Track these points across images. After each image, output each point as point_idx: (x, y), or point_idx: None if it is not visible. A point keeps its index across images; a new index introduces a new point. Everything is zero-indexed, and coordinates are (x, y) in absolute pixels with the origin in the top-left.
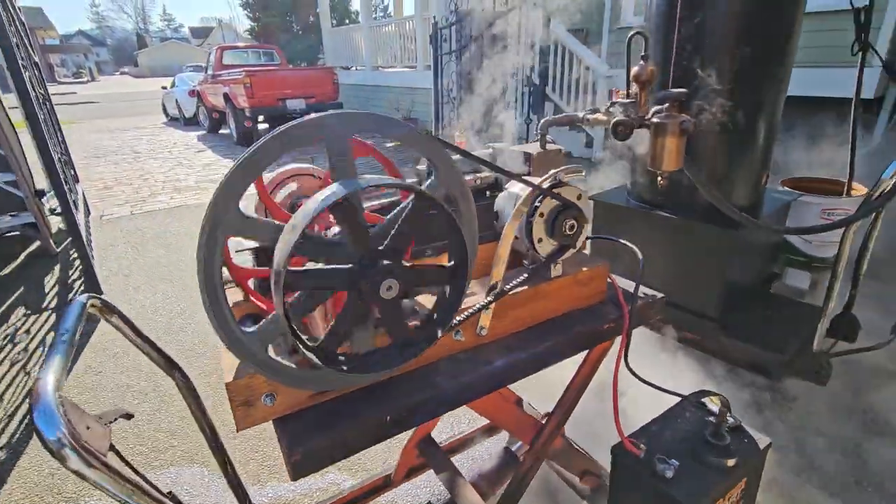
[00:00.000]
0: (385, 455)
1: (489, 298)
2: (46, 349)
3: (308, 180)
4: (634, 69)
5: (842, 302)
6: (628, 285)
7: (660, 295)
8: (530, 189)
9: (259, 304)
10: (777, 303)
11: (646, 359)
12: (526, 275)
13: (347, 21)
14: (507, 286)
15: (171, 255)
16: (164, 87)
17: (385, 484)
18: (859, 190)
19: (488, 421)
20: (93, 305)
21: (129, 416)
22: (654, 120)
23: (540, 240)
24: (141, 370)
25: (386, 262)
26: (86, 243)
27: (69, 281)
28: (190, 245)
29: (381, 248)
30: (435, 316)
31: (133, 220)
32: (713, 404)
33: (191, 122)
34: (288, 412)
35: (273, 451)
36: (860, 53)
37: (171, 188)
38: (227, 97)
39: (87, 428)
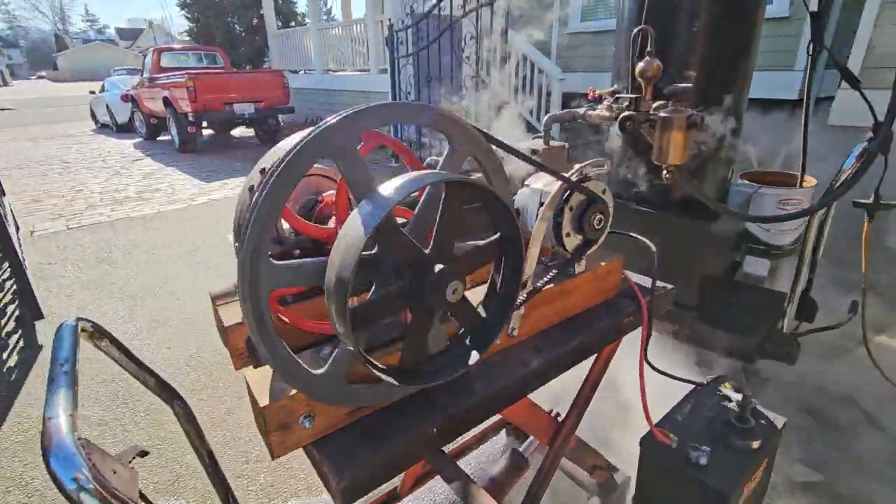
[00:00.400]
0: None
1: (524, 296)
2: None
3: (320, 181)
4: (640, 65)
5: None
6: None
7: (670, 286)
8: (558, 185)
9: (284, 318)
10: (742, 290)
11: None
12: (555, 271)
13: (293, 23)
14: (539, 283)
15: (118, 271)
16: (93, 92)
17: (391, 498)
18: (810, 182)
19: (489, 424)
20: (83, 329)
21: (143, 454)
22: (662, 114)
23: (568, 234)
24: (93, 399)
25: (440, 265)
26: (21, 260)
27: (0, 304)
28: (140, 260)
29: (428, 252)
30: (487, 314)
31: (70, 235)
32: (727, 389)
33: (125, 129)
34: (325, 433)
35: (259, 475)
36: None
37: (110, 200)
38: (167, 102)
39: (114, 472)
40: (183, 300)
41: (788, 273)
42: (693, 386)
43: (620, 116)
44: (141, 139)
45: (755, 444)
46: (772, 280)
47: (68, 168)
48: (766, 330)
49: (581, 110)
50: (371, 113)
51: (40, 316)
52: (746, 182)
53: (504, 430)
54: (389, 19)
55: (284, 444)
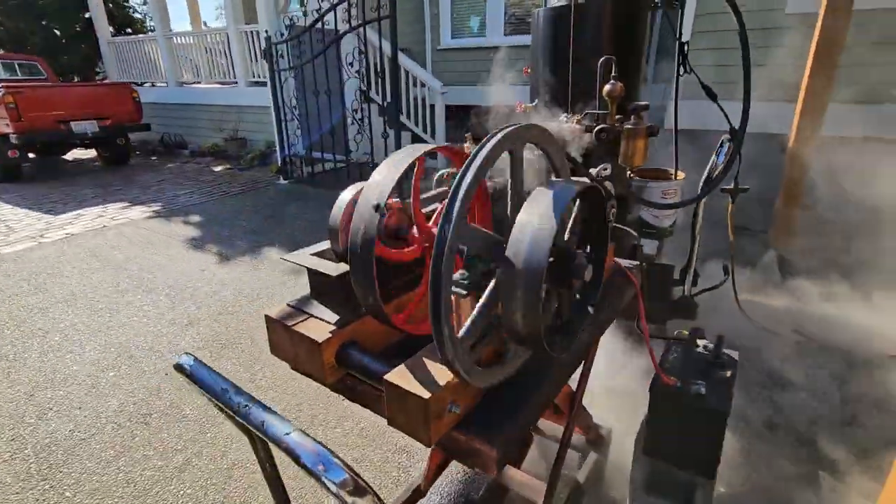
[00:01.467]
0: (382, 465)
1: None
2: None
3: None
4: (607, 87)
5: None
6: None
7: (643, 264)
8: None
9: (404, 329)
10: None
11: None
12: None
13: (130, 30)
14: None
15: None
16: None
17: (418, 491)
18: (681, 175)
19: None
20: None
21: None
22: (628, 126)
23: None
24: (23, 461)
25: (576, 255)
26: None
27: None
28: (29, 305)
29: (567, 238)
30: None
31: None
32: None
33: None
34: (463, 415)
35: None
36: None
37: None
38: None
39: None
40: (77, 353)
41: (667, 250)
42: (666, 341)
43: (597, 128)
44: None
45: (729, 373)
46: (660, 256)
47: None
48: (671, 295)
49: (553, 124)
50: (514, 134)
51: None
52: (635, 178)
53: None
54: (266, 31)
55: (439, 430)
